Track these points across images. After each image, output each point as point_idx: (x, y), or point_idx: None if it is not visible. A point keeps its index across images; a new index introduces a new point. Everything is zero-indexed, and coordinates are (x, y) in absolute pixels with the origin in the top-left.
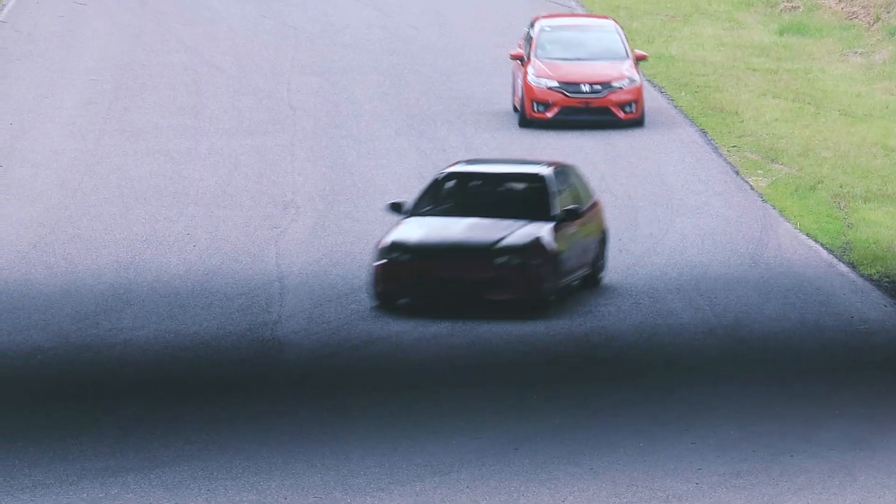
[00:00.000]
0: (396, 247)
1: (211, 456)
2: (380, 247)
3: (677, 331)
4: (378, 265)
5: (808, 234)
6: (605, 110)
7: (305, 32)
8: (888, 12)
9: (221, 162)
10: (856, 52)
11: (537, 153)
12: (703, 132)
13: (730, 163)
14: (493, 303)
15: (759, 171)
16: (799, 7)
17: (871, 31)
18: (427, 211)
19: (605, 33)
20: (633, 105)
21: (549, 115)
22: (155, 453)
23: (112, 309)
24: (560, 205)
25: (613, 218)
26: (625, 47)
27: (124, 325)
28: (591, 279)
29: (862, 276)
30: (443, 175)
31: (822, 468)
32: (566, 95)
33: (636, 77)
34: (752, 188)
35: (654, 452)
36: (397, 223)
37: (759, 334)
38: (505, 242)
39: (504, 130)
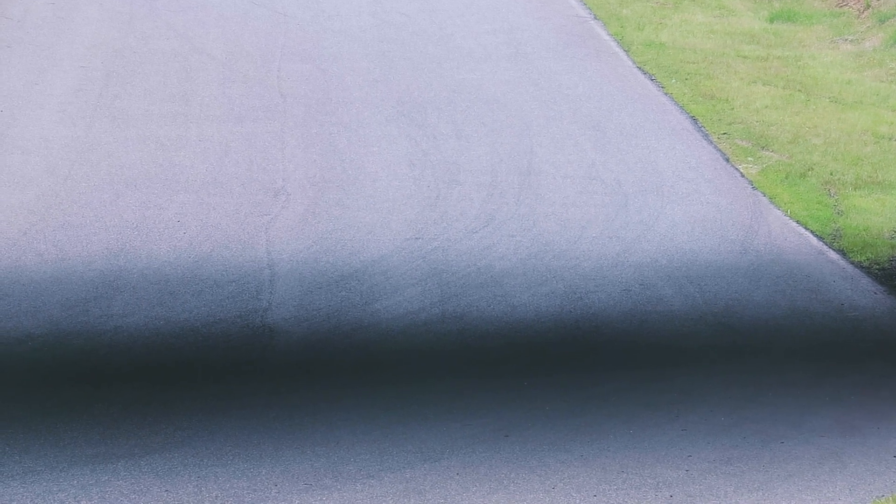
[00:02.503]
0: None
1: (201, 443)
2: None
3: (668, 318)
4: None
5: (798, 222)
6: None
7: (296, 19)
8: None
9: (212, 149)
10: (846, 40)
11: (524, 141)
12: (694, 119)
13: (720, 150)
14: None
15: (749, 159)
16: None
17: (861, 18)
18: None
19: None
20: None
21: None
22: (145, 440)
23: (102, 296)
24: None
25: (603, 205)
26: None
27: (114, 312)
28: None
29: (852, 263)
30: None
31: (813, 455)
32: None
33: None
34: (743, 175)
35: (645, 439)
36: None
37: (749, 321)
38: None
39: (494, 116)
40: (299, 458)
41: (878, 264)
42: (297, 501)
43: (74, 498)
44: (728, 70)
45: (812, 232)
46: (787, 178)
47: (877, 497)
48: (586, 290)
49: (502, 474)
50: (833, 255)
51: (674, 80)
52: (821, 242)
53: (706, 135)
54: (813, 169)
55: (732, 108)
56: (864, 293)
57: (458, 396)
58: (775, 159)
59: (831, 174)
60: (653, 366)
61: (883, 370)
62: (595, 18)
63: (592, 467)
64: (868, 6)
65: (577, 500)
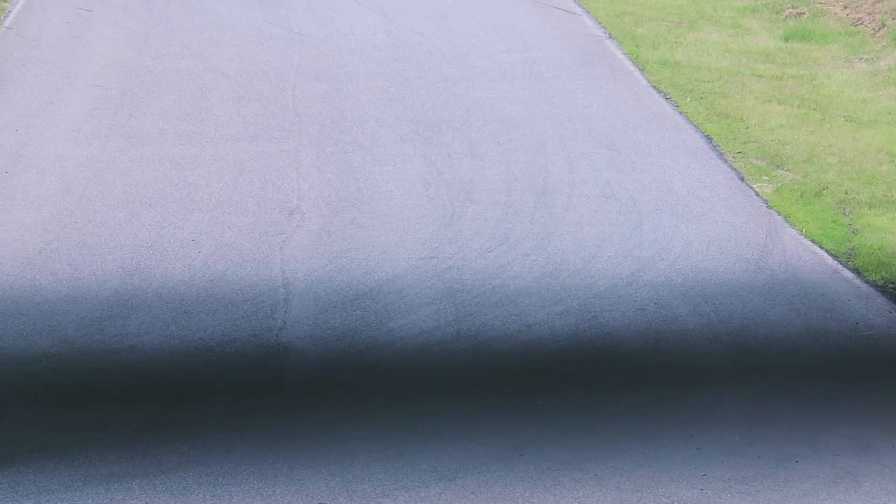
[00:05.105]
0: None
1: (216, 462)
2: None
3: (682, 337)
4: None
5: (813, 240)
6: None
7: (311, 38)
8: (894, 18)
9: (226, 168)
10: (861, 59)
11: (539, 160)
12: (708, 138)
13: (735, 169)
14: None
15: (764, 177)
16: (804, 13)
17: (876, 37)
18: None
19: None
20: None
21: None
22: (160, 459)
23: (117, 315)
24: None
25: (618, 224)
26: None
27: (129, 331)
28: None
29: (867, 282)
30: None
31: (828, 474)
32: None
33: None
34: (757, 194)
35: (660, 458)
36: None
37: (764, 340)
38: None
39: (509, 135)
40: (314, 477)
41: (893, 283)
42: None
43: None
44: (743, 89)
45: (827, 251)
46: (801, 197)
47: None
48: (601, 309)
49: (517, 493)
50: (848, 274)
51: (689, 99)
52: (836, 261)
53: (721, 154)
54: (828, 188)
55: (747, 127)
56: (879, 312)
57: (473, 415)
58: (790, 178)
59: (846, 193)
60: (667, 385)
61: None
62: (610, 37)
63: (607, 486)
64: (883, 25)
65: None
